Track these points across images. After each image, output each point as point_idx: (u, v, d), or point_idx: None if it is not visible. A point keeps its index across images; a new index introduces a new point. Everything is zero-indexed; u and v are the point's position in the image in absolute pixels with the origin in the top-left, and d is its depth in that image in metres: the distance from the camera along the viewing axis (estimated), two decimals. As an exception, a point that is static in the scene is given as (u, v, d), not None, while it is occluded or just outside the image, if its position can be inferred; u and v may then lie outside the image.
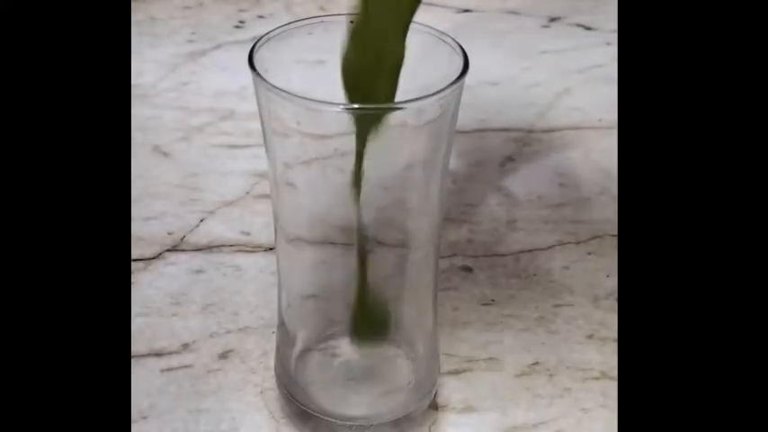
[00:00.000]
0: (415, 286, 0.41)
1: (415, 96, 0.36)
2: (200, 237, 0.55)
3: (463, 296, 0.52)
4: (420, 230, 0.39)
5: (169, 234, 0.56)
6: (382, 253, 0.39)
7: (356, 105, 0.37)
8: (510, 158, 0.64)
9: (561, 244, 0.56)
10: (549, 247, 0.55)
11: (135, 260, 0.53)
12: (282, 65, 0.39)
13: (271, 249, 0.54)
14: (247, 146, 0.63)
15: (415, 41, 0.40)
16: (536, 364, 0.48)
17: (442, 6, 0.81)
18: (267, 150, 0.39)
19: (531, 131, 0.66)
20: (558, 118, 0.68)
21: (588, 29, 0.79)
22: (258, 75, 0.37)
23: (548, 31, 0.79)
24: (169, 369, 0.47)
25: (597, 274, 0.53)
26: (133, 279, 0.52)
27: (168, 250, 0.54)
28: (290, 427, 0.44)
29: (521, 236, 0.56)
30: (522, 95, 0.70)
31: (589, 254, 0.55)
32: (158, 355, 0.47)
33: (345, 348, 0.43)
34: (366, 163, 0.37)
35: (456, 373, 0.47)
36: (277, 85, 0.36)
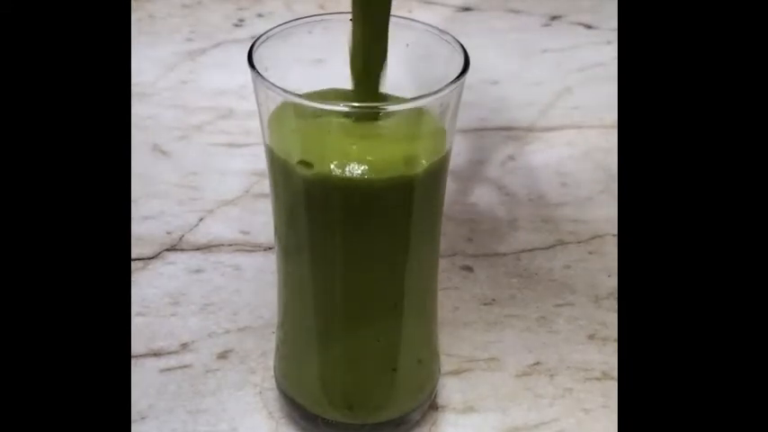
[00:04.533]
0: (415, 286, 0.40)
1: (415, 95, 0.36)
2: (199, 236, 0.55)
3: (464, 296, 0.51)
4: (421, 237, 0.39)
5: (168, 233, 0.55)
6: (383, 256, 0.39)
7: (356, 105, 0.37)
8: (511, 157, 0.63)
9: (562, 243, 0.56)
10: (550, 247, 0.55)
11: (134, 260, 0.53)
12: (282, 63, 0.39)
13: (270, 249, 0.53)
14: (246, 145, 0.63)
15: (415, 40, 0.40)
16: (537, 364, 0.47)
17: (443, 5, 0.81)
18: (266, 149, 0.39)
19: (531, 130, 0.66)
20: (558, 117, 0.67)
21: (589, 27, 0.79)
22: (258, 73, 0.37)
23: (548, 29, 0.79)
24: (168, 369, 0.46)
25: (598, 274, 0.53)
26: (132, 279, 0.52)
27: (167, 250, 0.54)
28: (288, 428, 0.44)
29: (521, 235, 0.56)
30: (523, 94, 0.70)
31: (590, 253, 0.55)
32: (157, 355, 0.47)
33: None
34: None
35: (457, 373, 0.47)
36: (276, 83, 0.36)
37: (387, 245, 0.39)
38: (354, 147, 0.37)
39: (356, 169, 0.36)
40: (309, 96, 0.36)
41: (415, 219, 0.38)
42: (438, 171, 0.38)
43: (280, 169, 0.38)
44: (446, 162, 0.39)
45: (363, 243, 0.38)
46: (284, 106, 0.37)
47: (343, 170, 0.36)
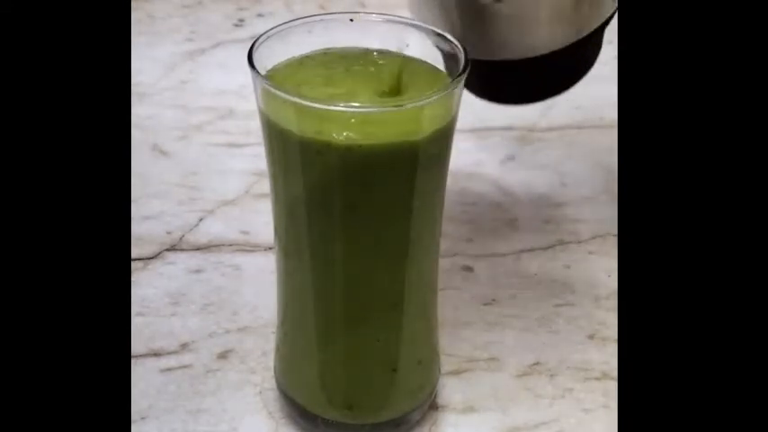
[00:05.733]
0: (415, 286, 0.40)
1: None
2: (199, 236, 0.55)
3: (464, 296, 0.51)
4: (420, 230, 0.39)
5: (168, 233, 0.55)
6: (383, 252, 0.39)
7: (356, 105, 0.37)
8: (511, 157, 0.63)
9: (562, 243, 0.56)
10: (550, 247, 0.55)
11: (134, 260, 0.53)
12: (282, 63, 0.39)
13: (270, 249, 0.53)
14: (247, 144, 0.63)
15: (416, 40, 0.40)
16: (537, 364, 0.47)
17: (443, 5, 0.80)
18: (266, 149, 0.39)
19: (532, 130, 0.66)
20: (559, 116, 0.67)
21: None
22: (258, 73, 0.37)
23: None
24: (168, 369, 0.46)
25: (598, 274, 0.53)
26: (132, 278, 0.52)
27: (167, 250, 0.54)
28: (288, 428, 0.43)
29: (522, 235, 0.56)
30: (523, 94, 0.70)
31: (590, 253, 0.55)
32: (157, 355, 0.47)
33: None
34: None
35: (457, 373, 0.47)
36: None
37: (387, 231, 0.38)
38: (354, 120, 0.36)
39: (357, 136, 0.36)
40: (309, 98, 0.35)
41: (417, 196, 0.38)
42: (441, 140, 0.38)
43: (277, 138, 0.38)
44: (450, 132, 0.39)
45: (363, 230, 0.38)
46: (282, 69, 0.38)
47: (344, 137, 0.36)
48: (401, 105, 0.36)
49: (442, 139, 0.38)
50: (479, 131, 0.65)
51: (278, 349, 0.44)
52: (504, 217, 0.58)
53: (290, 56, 0.39)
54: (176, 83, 0.70)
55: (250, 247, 0.54)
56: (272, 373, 0.45)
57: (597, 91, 0.70)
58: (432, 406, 0.44)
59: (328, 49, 0.40)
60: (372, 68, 0.39)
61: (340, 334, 0.41)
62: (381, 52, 0.40)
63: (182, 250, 0.54)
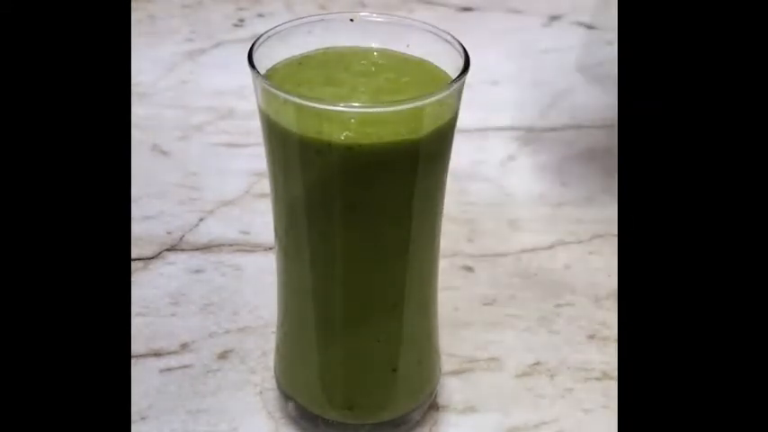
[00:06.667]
0: (415, 286, 0.40)
1: (415, 95, 0.36)
2: (199, 236, 0.55)
3: (464, 296, 0.51)
4: (420, 229, 0.39)
5: (168, 233, 0.55)
6: (383, 252, 0.39)
7: (356, 104, 0.37)
8: (511, 157, 0.63)
9: (562, 243, 0.56)
10: (551, 247, 0.55)
11: (134, 260, 0.53)
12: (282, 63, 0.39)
13: (270, 249, 0.53)
14: (247, 145, 0.63)
15: (416, 40, 0.40)
16: (537, 364, 0.47)
17: (443, 5, 0.81)
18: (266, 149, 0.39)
19: (531, 130, 0.66)
20: (559, 117, 0.67)
21: (589, 27, 0.79)
22: (258, 73, 0.37)
23: (549, 29, 0.79)
24: (168, 369, 0.46)
25: (599, 274, 0.53)
26: (132, 279, 0.52)
27: (167, 250, 0.54)
28: (288, 428, 0.43)
29: (522, 235, 0.56)
30: (523, 94, 0.70)
31: (590, 253, 0.55)
32: (157, 355, 0.47)
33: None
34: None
35: (457, 373, 0.47)
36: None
37: (387, 231, 0.38)
38: (354, 120, 0.36)
39: (357, 135, 0.36)
40: (309, 98, 0.35)
41: (417, 196, 0.38)
42: (441, 139, 0.38)
43: (277, 138, 0.37)
44: (450, 132, 0.39)
45: (363, 230, 0.38)
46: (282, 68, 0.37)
47: (344, 137, 0.36)
48: (401, 105, 0.36)
49: (442, 138, 0.38)
50: (479, 131, 0.65)
51: (278, 349, 0.44)
52: (504, 217, 0.58)
53: (289, 56, 0.39)
54: (176, 83, 0.70)
55: (250, 247, 0.54)
56: (272, 373, 0.45)
57: (596, 91, 0.70)
58: (432, 406, 0.44)
59: (328, 48, 0.40)
60: (372, 68, 0.39)
61: (340, 334, 0.41)
62: (381, 52, 0.40)
63: (182, 250, 0.54)
